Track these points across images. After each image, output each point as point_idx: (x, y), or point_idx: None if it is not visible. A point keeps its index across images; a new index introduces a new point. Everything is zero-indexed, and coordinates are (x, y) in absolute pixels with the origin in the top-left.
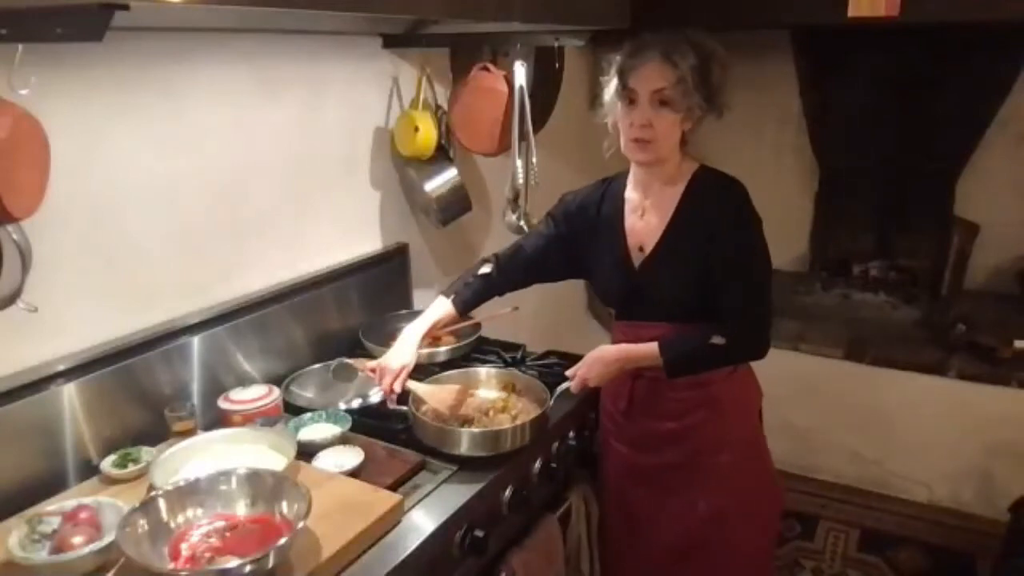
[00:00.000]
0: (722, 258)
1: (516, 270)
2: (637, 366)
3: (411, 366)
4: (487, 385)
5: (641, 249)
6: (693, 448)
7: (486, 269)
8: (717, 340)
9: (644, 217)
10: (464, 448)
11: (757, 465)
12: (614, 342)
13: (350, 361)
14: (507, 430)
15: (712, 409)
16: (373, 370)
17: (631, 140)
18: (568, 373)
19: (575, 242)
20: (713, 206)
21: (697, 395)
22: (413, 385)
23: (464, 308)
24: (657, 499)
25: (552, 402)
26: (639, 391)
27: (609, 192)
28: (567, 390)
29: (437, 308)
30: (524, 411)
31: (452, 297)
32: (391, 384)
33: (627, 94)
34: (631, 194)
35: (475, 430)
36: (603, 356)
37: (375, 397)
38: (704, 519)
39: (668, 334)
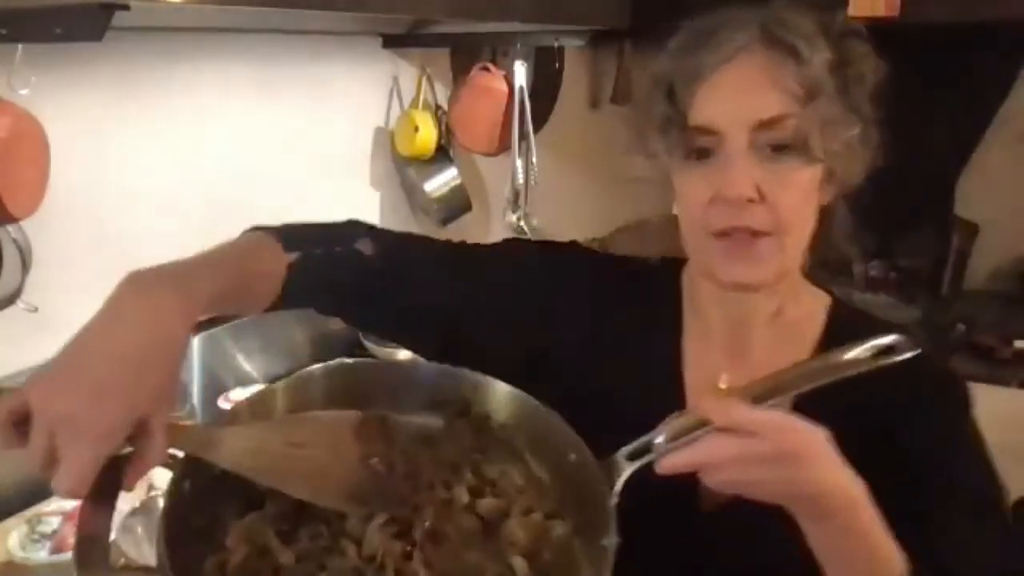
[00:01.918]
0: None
1: (379, 307)
2: (833, 539)
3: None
4: (410, 405)
5: None
6: None
7: (366, 249)
8: None
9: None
10: None
11: None
12: None
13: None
14: None
15: None
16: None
17: (715, 237)
18: (675, 425)
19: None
20: (889, 393)
21: None
22: (208, 449)
23: (292, 301)
24: None
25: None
26: None
27: (650, 308)
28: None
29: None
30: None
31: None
32: (80, 478)
33: (690, 138)
34: (694, 339)
35: None
36: (810, 468)
37: None
38: None
39: None
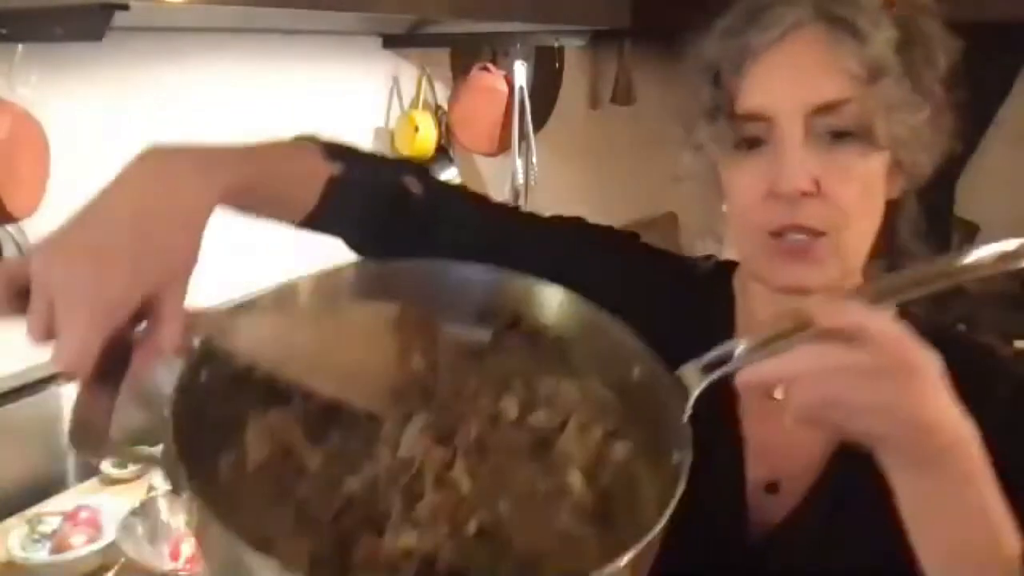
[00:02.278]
0: None
1: (412, 253)
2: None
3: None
4: (453, 315)
5: (773, 487)
6: None
7: (412, 187)
8: None
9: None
10: None
11: None
12: None
13: None
14: None
15: None
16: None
17: (772, 236)
18: (760, 332)
19: None
20: (968, 391)
21: None
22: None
23: (324, 222)
24: None
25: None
26: None
27: (702, 308)
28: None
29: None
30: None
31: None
32: (78, 352)
33: (739, 125)
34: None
35: None
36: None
37: None
38: None
39: None
